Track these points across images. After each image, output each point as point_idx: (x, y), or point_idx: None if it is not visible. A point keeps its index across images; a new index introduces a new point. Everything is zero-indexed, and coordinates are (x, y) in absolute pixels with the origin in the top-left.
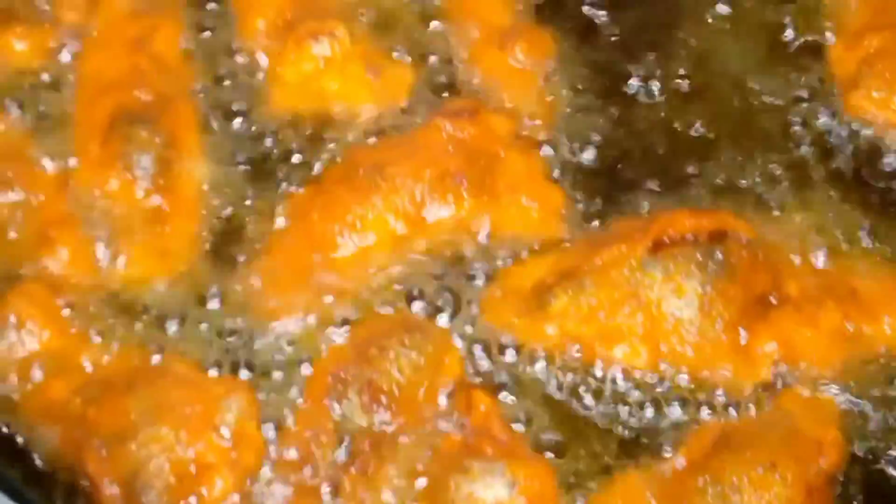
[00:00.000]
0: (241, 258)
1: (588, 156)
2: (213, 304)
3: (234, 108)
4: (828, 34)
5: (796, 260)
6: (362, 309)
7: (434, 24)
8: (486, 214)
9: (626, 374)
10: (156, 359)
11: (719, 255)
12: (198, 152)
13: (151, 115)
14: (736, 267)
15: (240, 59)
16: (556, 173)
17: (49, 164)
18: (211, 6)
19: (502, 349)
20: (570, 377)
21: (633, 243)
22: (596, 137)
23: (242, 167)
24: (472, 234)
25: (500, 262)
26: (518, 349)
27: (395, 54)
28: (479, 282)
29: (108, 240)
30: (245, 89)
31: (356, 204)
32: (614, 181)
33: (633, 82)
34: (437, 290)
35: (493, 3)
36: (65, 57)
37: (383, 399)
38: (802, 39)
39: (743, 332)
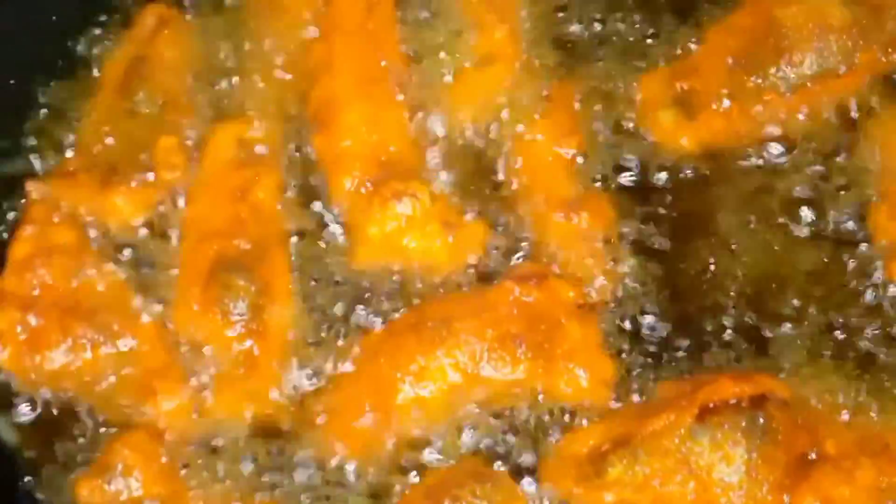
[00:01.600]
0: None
1: (643, 324)
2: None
3: (322, 258)
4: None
5: (831, 417)
6: (425, 456)
7: (506, 194)
8: (539, 378)
9: None
10: None
11: (761, 420)
12: (289, 299)
13: (248, 263)
14: (777, 430)
15: (329, 212)
16: (610, 340)
17: (151, 313)
18: (307, 158)
19: None
20: None
21: (681, 412)
22: (651, 307)
23: (324, 312)
24: (525, 394)
25: (551, 425)
26: None
27: (469, 215)
28: (531, 442)
29: (204, 383)
30: (332, 241)
31: (421, 353)
32: (665, 347)
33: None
34: (491, 447)
35: (558, 174)
36: (166, 209)
37: None
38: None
39: (787, 494)
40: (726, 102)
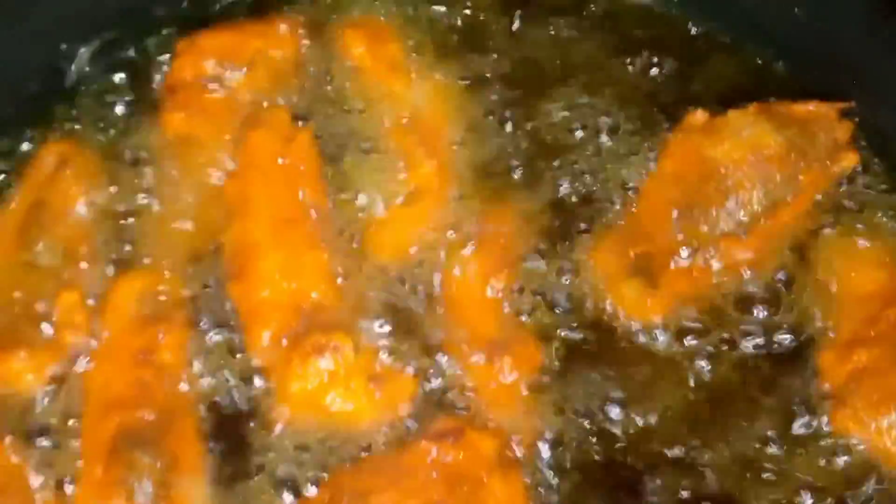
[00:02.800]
0: None
1: (566, 481)
2: None
3: (236, 420)
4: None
5: None
6: None
7: (435, 333)
8: None
9: None
10: None
11: None
12: (198, 472)
13: (153, 435)
14: None
15: (244, 368)
16: (538, 494)
17: (52, 495)
18: (219, 311)
19: None
20: None
21: None
22: (576, 459)
23: (239, 486)
24: None
25: None
26: None
27: (396, 365)
28: None
29: None
30: (248, 400)
31: None
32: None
33: (615, 413)
34: None
35: (484, 311)
36: (68, 374)
37: None
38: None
39: None
40: (684, 259)
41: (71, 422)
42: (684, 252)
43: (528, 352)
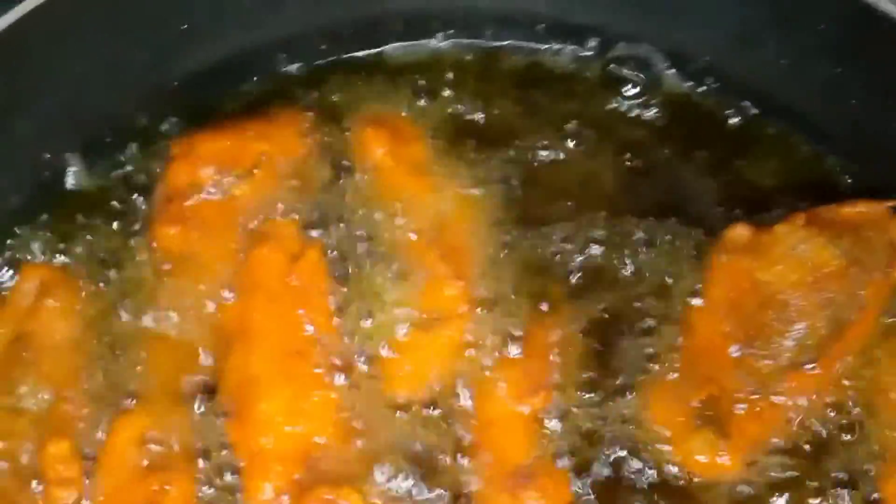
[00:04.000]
0: None
1: None
2: None
3: None
4: None
5: None
6: None
7: (461, 462)
8: None
9: None
10: None
11: None
12: None
13: None
14: None
15: None
16: None
17: None
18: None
19: None
20: None
21: None
22: None
23: None
24: None
25: None
26: None
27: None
28: None
29: None
30: None
31: None
32: None
33: None
34: None
35: (515, 437)
36: None
37: None
38: None
39: None
40: (750, 401)
41: None
42: (750, 392)
43: (558, 490)
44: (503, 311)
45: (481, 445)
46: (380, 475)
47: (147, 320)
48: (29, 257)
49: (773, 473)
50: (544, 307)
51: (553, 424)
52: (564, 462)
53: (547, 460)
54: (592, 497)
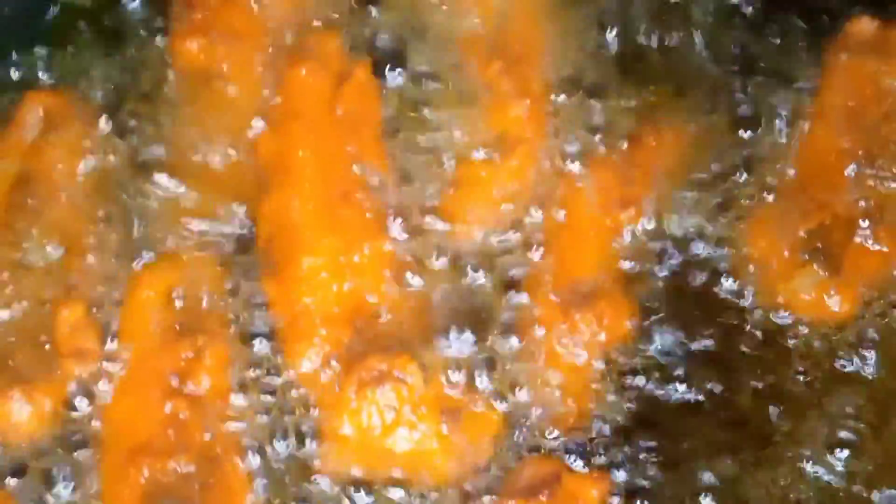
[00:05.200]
0: None
1: None
2: None
3: (282, 467)
4: None
5: None
6: None
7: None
8: None
9: None
10: None
11: None
12: None
13: (192, 493)
14: None
15: (290, 398)
16: None
17: None
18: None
19: None
20: None
21: None
22: None
23: None
24: None
25: None
26: None
27: (477, 394)
28: None
29: None
30: (294, 441)
31: None
32: None
33: None
34: None
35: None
36: (78, 415)
37: None
38: None
39: None
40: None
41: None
42: (868, 220)
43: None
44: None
45: (548, 264)
46: (441, 340)
47: (168, 158)
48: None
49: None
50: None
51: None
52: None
53: (612, 284)
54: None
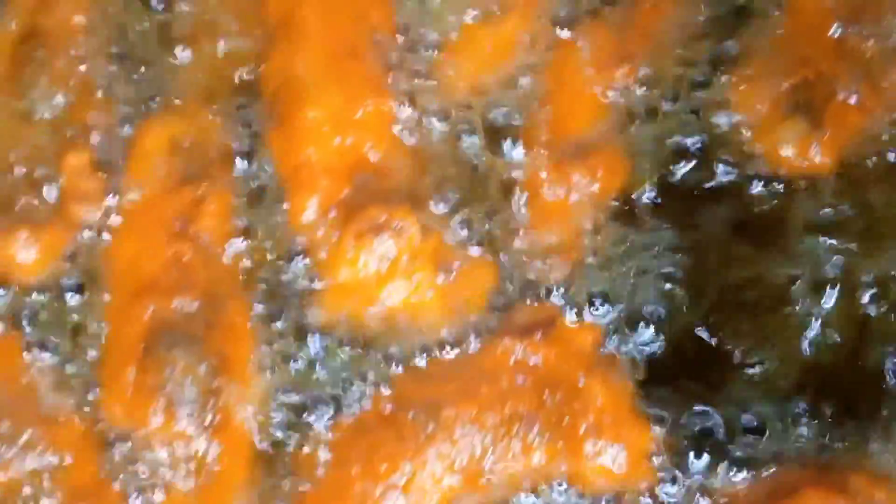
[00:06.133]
0: None
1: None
2: None
3: (279, 311)
4: None
5: None
6: None
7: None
8: (561, 465)
9: None
10: None
11: None
12: (250, 374)
13: (196, 330)
14: None
15: (291, 245)
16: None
17: (73, 410)
18: (263, 171)
19: None
20: None
21: None
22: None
23: (282, 395)
24: (545, 487)
25: None
26: None
27: (472, 247)
28: None
29: (148, 496)
30: (294, 286)
31: (404, 457)
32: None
33: None
34: None
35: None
36: (82, 257)
37: None
38: None
39: None
40: (852, 89)
41: (93, 321)
42: (852, 77)
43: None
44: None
45: (543, 120)
46: (438, 196)
47: (181, 15)
48: None
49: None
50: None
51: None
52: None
53: (608, 139)
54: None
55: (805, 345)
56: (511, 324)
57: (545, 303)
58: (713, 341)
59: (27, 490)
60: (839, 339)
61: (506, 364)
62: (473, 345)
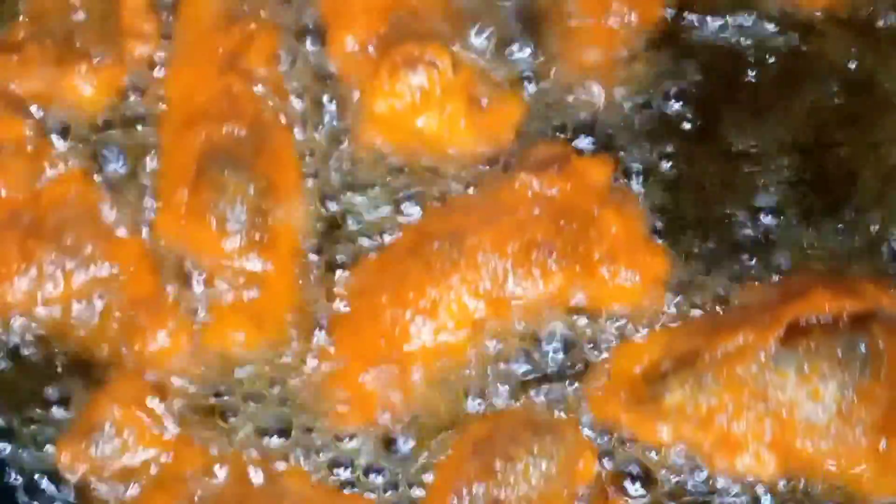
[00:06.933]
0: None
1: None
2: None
3: (324, 141)
4: None
5: None
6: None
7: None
8: (579, 289)
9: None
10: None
11: (863, 346)
12: (297, 197)
13: (246, 155)
14: (881, 359)
15: (332, 81)
16: (660, 226)
17: (130, 227)
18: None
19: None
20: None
21: (762, 330)
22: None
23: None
24: (564, 310)
25: (601, 343)
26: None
27: (503, 83)
28: (581, 365)
29: (199, 309)
30: (335, 119)
31: (430, 283)
32: (731, 233)
33: None
34: (531, 379)
35: None
36: (139, 90)
37: None
38: None
39: (885, 439)
40: None
41: (149, 147)
42: None
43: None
44: None
45: None
46: (469, 33)
47: None
48: None
49: None
50: None
51: None
52: None
53: None
54: None
55: None
56: (528, 160)
57: (563, 141)
58: None
59: (94, 298)
60: None
61: (524, 197)
62: (495, 178)
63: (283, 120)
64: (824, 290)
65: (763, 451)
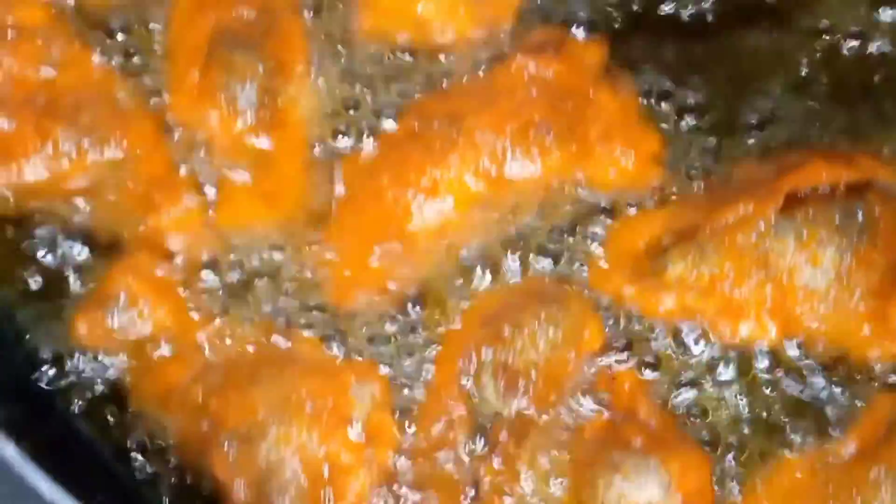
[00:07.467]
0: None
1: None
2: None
3: (332, 26)
4: None
5: None
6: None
7: None
8: (577, 167)
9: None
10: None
11: (860, 213)
12: (306, 80)
13: (255, 36)
14: (878, 225)
15: None
16: (657, 107)
17: (144, 107)
18: None
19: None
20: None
21: (761, 200)
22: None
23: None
24: (564, 188)
25: (601, 221)
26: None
27: None
28: (582, 242)
29: (211, 186)
30: (341, 3)
31: (430, 164)
32: (731, 113)
33: None
34: (536, 254)
35: None
36: None
37: (520, 384)
38: None
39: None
40: None
41: (156, 26)
42: None
43: None
44: None
45: None
46: None
47: None
48: None
49: None
50: None
51: None
52: None
53: None
54: None
55: None
56: (524, 44)
57: (558, 25)
58: None
59: (109, 177)
60: None
61: (521, 79)
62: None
63: (292, 4)
64: (821, 162)
65: (765, 316)
